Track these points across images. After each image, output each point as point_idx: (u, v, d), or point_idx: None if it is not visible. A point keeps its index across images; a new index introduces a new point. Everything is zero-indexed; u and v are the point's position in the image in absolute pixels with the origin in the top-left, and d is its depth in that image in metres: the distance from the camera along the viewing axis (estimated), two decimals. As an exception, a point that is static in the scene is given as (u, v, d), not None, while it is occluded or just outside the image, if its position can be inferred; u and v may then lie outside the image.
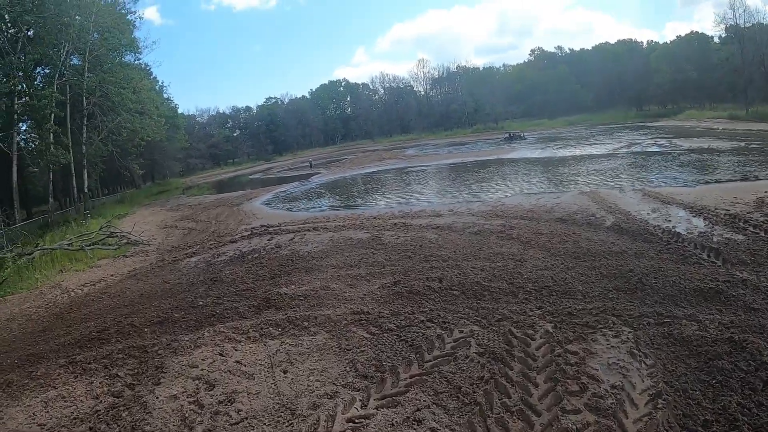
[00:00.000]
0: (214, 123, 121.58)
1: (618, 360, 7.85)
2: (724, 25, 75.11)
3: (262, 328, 10.78)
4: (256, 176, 75.20)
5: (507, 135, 75.45)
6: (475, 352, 8.46)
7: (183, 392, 8.32)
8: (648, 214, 17.91)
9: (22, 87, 39.87)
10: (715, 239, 13.78)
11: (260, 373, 8.82)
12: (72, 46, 41.43)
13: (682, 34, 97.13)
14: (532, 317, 9.60)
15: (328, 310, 11.37)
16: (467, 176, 39.82)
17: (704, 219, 16.38)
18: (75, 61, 44.27)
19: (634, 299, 9.98)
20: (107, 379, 9.21)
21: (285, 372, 8.77)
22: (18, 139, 40.01)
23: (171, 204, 46.16)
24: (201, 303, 13.16)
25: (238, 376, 8.78)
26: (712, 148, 37.80)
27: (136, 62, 56.47)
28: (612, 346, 8.26)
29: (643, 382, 7.23)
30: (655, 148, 43.03)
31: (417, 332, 9.52)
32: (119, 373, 9.33)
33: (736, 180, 23.92)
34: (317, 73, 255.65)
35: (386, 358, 8.70)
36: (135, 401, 8.21)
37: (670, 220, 16.65)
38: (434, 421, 6.84)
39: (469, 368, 8.01)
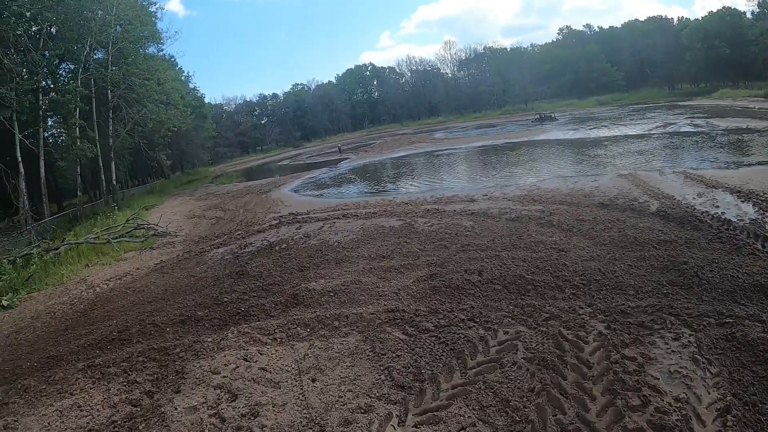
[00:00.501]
0: (241, 111, 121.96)
1: (680, 367, 7.16)
2: (757, 1, 72.98)
3: (289, 329, 10.24)
4: (284, 163, 74.99)
5: (537, 116, 73.88)
6: (523, 358, 7.82)
7: (203, 403, 7.83)
8: (694, 198, 17.02)
9: (47, 83, 40.09)
10: (768, 227, 12.92)
11: (287, 382, 8.23)
12: (95, 40, 41.60)
13: (714, 10, 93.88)
14: (583, 316, 8.94)
15: (360, 307, 10.82)
16: (499, 159, 38.81)
17: (753, 205, 15.44)
18: (99, 55, 44.50)
19: (691, 295, 9.25)
20: (125, 385, 8.84)
21: (314, 380, 8.16)
22: (46, 134, 40.28)
23: (199, 193, 46.15)
24: (226, 299, 12.70)
25: (263, 384, 8.20)
26: (750, 128, 36.15)
27: (160, 53, 56.91)
28: (672, 351, 7.58)
29: (710, 394, 6.55)
30: (691, 128, 41.49)
31: (458, 333, 8.91)
32: (138, 379, 8.96)
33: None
34: (343, 59, 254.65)
35: (425, 365, 8.10)
36: (153, 412, 7.76)
37: (717, 206, 15.75)
38: (481, 442, 6.24)
39: (517, 377, 7.38)
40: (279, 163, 74.91)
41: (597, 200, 18.41)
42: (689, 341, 7.76)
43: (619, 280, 10.30)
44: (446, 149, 52.08)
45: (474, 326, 9.10)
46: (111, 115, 44.96)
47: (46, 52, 38.78)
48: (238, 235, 22.05)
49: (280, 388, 8.07)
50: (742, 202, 16.06)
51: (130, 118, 45.45)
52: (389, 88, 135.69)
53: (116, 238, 23.78)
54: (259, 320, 10.99)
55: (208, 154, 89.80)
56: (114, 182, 46.26)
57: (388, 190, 30.28)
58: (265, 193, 37.07)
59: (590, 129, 51.45)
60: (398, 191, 29.13)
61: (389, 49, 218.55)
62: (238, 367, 8.85)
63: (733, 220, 13.95)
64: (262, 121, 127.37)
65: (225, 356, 9.29)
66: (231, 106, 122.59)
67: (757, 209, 14.92)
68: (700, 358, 7.32)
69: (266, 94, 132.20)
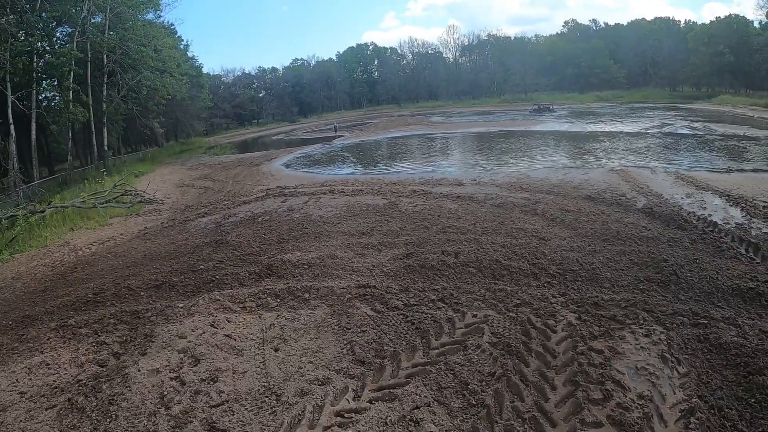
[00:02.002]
0: (239, 83, 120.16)
1: (648, 364, 6.97)
2: (765, 11, 72.57)
3: (260, 298, 10.08)
4: (279, 137, 74.27)
5: (535, 107, 73.25)
6: (488, 342, 7.63)
7: (166, 366, 7.77)
8: (682, 198, 16.83)
9: (42, 45, 39.24)
10: (753, 233, 12.70)
11: (250, 350, 8.12)
12: (92, 3, 40.59)
13: (721, 16, 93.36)
14: (554, 305, 8.75)
15: (332, 281, 10.61)
16: (492, 146, 38.77)
17: (741, 209, 15.22)
18: (98, 19, 43.47)
19: (667, 293, 9.06)
20: (94, 346, 8.79)
21: (276, 350, 8.04)
22: (39, 97, 39.62)
23: (191, 163, 45.64)
24: (202, 267, 12.52)
25: (226, 351, 8.09)
26: (747, 136, 35.97)
27: (159, 20, 55.83)
28: (641, 347, 7.39)
29: (675, 394, 6.36)
30: (688, 131, 41.28)
31: (426, 313, 8.72)
32: (107, 340, 8.91)
33: (776, 171, 22.61)
34: (345, 37, 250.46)
35: (388, 342, 7.92)
36: (117, 372, 7.71)
37: (705, 207, 15.57)
38: (433, 423, 6.03)
39: (479, 361, 7.18)
40: (274, 138, 74.14)
41: (585, 193, 18.21)
42: (660, 339, 7.58)
43: (596, 273, 10.10)
44: (441, 133, 51.72)
45: (443, 307, 8.90)
46: (105, 80, 44.15)
47: (43, 14, 37.93)
48: (224, 205, 21.84)
49: (242, 356, 7.96)
50: (731, 206, 15.85)
51: (124, 84, 44.64)
52: (390, 69, 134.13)
53: (103, 203, 23.35)
54: (231, 288, 10.85)
55: (204, 124, 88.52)
56: (105, 148, 45.57)
57: (378, 170, 30.08)
58: (256, 165, 36.82)
59: (587, 123, 51.25)
60: (388, 171, 28.91)
61: (393, 30, 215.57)
62: (204, 332, 8.75)
63: (719, 222, 13.76)
64: (260, 95, 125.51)
65: (193, 322, 9.19)
66: (229, 78, 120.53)
67: (744, 214, 14.72)
68: (669, 356, 7.13)
69: (266, 68, 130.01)
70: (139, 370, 7.60)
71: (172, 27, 64.86)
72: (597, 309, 8.50)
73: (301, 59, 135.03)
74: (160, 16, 55.06)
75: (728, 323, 7.89)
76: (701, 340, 7.48)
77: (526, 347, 7.43)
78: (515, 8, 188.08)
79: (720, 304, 8.60)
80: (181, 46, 69.28)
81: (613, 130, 44.15)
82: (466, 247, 11.97)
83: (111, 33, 43.35)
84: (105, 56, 43.11)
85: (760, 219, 14.04)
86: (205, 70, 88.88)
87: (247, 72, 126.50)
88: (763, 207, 15.17)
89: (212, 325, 8.98)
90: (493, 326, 8.07)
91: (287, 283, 10.71)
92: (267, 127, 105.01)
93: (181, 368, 7.65)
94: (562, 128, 48.03)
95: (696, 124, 45.49)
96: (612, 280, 9.71)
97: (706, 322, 7.95)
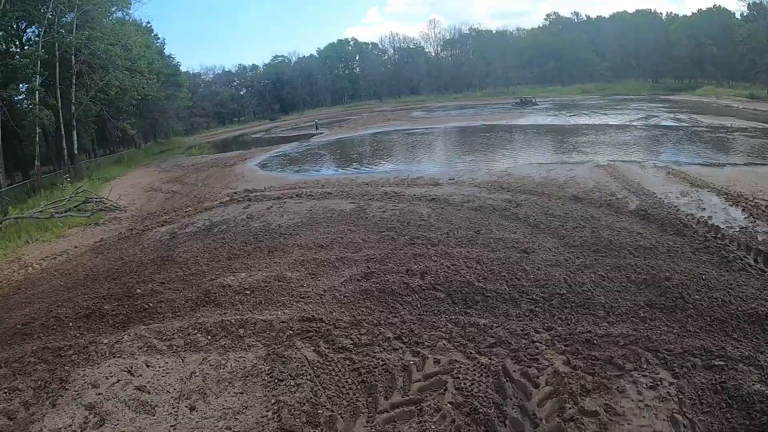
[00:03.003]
0: (219, 81, 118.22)
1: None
2: (747, 3, 72.40)
3: (189, 334, 8.61)
4: (258, 135, 72.39)
5: (518, 100, 71.99)
6: (451, 403, 5.95)
7: (69, 425, 6.67)
8: (677, 198, 15.35)
9: (5, 46, 37.40)
10: (760, 238, 11.27)
11: (163, 407, 6.75)
12: (58, 1, 38.41)
13: (703, 8, 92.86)
14: (538, 344, 7.10)
15: (274, 311, 9.01)
16: (473, 142, 37.18)
17: (743, 210, 13.80)
18: (69, 18, 41.39)
19: (674, 323, 7.48)
20: (7, 393, 7.71)
21: (192, 409, 6.60)
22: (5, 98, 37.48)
23: (167, 165, 43.80)
24: (139, 291, 11.11)
25: (136, 410, 6.78)
26: (734, 127, 34.82)
27: (132, 18, 54.42)
28: (646, 405, 5.78)
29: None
30: (674, 123, 40.03)
31: (378, 357, 7.06)
32: (21, 386, 7.84)
33: (771, 165, 21.40)
34: (327, 33, 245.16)
35: (326, 401, 6.27)
36: (22, 429, 6.75)
37: (703, 208, 14.12)
38: None
39: (437, 434, 5.50)
40: (253, 136, 72.27)
41: (571, 192, 16.65)
42: (669, 392, 5.96)
43: (588, 296, 8.48)
44: (421, 128, 50.04)
45: (400, 348, 7.25)
46: (75, 81, 42.06)
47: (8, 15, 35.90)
48: (186, 212, 20.25)
49: (153, 416, 6.63)
50: (731, 205, 14.42)
51: (93, 85, 42.65)
52: (371, 65, 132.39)
53: (62, 212, 21.51)
54: (162, 321, 9.48)
55: (184, 124, 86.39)
56: (76, 152, 43.57)
57: (352, 169, 28.55)
58: (230, 166, 35.32)
59: (571, 116, 49.83)
60: (363, 170, 27.41)
61: (375, 26, 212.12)
62: (119, 381, 7.57)
63: (722, 226, 12.27)
64: (241, 92, 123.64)
65: (110, 366, 8.00)
66: (209, 76, 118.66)
67: (747, 215, 13.27)
68: (682, 419, 5.51)
69: (246, 65, 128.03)
70: (41, 430, 6.59)
71: (149, 25, 63.62)
72: (590, 349, 6.87)
73: (282, 56, 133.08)
74: (128, 14, 53.05)
75: (748, 364, 6.38)
76: (718, 391, 5.92)
77: (498, 411, 5.74)
78: (498, 2, 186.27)
79: (735, 336, 7.08)
80: (157, 45, 67.94)
81: (597, 122, 42.72)
82: (436, 264, 10.33)
83: (78, 32, 41.15)
84: (73, 57, 41.09)
85: (765, 221, 12.58)
86: (184, 69, 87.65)
87: (227, 70, 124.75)
88: (766, 207, 13.75)
89: (129, 372, 7.70)
90: (459, 378, 6.40)
91: (223, 315, 9.16)
92: (248, 126, 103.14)
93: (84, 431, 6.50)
94: (545, 121, 46.57)
95: (681, 116, 44.36)
96: (607, 306, 8.09)
97: (722, 363, 6.40)
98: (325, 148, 42.08)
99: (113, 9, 48.00)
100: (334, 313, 8.55)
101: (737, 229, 12.01)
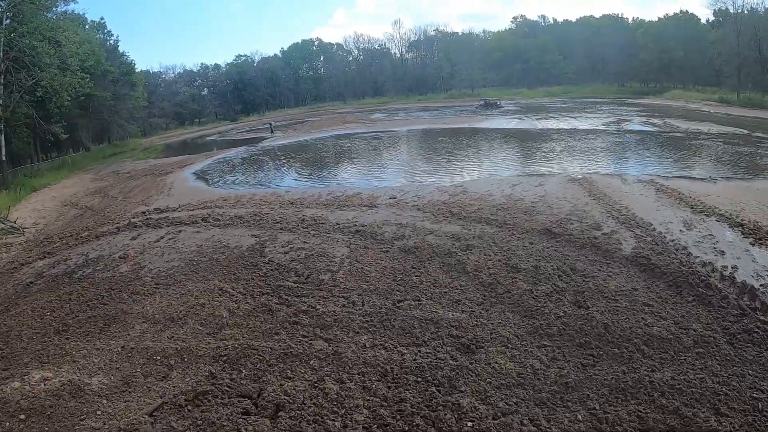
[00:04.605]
0: (181, 81, 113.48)
1: None
2: (713, 10, 73.24)
3: None
4: (213, 138, 67.96)
5: (482, 102, 68.71)
6: None
7: None
8: (681, 232, 11.56)
9: None
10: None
11: None
12: None
13: (670, 13, 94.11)
14: None
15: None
16: (430, 147, 33.66)
17: (771, 250, 10.00)
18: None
19: None
20: None
21: None
22: None
23: (106, 171, 39.92)
24: None
25: None
26: (712, 133, 32.33)
27: (78, 13, 50.73)
28: None
29: None
30: (649, 128, 37.22)
31: None
32: None
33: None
34: (295, 34, 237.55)
35: None
36: None
37: (720, 250, 10.39)
38: None
39: None
40: (208, 138, 67.88)
41: (541, 221, 12.67)
42: None
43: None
44: (377, 132, 46.02)
45: None
46: (2, 80, 37.79)
47: None
48: (78, 239, 16.56)
49: None
50: (752, 244, 10.75)
51: (19, 85, 38.12)
52: (335, 66, 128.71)
53: None
54: None
55: (141, 124, 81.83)
56: (4, 158, 38.88)
57: (288, 179, 24.82)
58: (166, 174, 31.62)
59: (537, 119, 46.36)
60: (297, 183, 23.60)
61: (343, 27, 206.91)
62: None
63: (756, 286, 8.36)
64: (203, 93, 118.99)
65: None
66: (170, 75, 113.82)
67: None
68: None
69: (208, 65, 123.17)
70: None
71: (102, 21, 60.46)
72: None
73: (245, 56, 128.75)
74: (61, 8, 48.52)
75: None
76: None
77: None
78: (466, 5, 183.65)
79: None
80: (111, 42, 64.38)
81: (566, 126, 39.30)
82: (308, 385, 6.07)
83: (4, 27, 37.44)
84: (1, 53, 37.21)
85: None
86: (144, 67, 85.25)
87: (188, 69, 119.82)
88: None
89: None
90: None
91: None
92: (207, 127, 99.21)
93: None
94: (510, 125, 43.01)
95: (655, 120, 41.57)
96: None
97: None
98: (269, 154, 38.17)
99: (57, 2, 44.15)
100: None
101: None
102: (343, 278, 9.59)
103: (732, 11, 66.60)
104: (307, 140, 45.77)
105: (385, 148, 35.49)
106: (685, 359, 6.22)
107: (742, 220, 12.36)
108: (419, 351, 6.66)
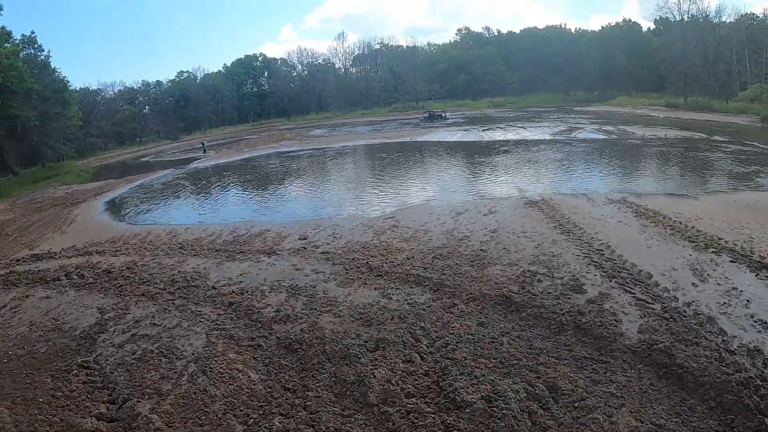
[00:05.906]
0: (121, 99, 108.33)
1: None
2: (654, 19, 75.82)
3: None
4: (147, 159, 63.80)
5: (427, 114, 66.34)
6: None
7: None
8: (696, 288, 8.27)
9: None
10: None
11: None
12: None
13: (612, 23, 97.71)
14: None
15: None
16: (365, 166, 30.71)
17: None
18: None
19: None
20: None
21: None
22: None
23: (25, 199, 35.40)
24: None
25: None
26: (672, 138, 30.71)
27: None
28: None
29: None
30: (602, 135, 35.08)
31: None
32: None
33: (754, 189, 16.40)
34: (241, 50, 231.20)
35: None
36: None
37: (763, 321, 6.92)
38: None
39: None
40: (143, 159, 63.79)
41: (495, 278, 8.99)
42: None
43: None
44: (312, 150, 42.47)
45: None
46: None
47: None
48: None
49: None
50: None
51: None
52: (280, 81, 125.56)
53: None
54: None
55: (75, 145, 76.62)
56: None
57: (194, 214, 21.04)
58: (75, 205, 27.49)
59: (484, 130, 43.51)
60: (201, 217, 19.78)
61: (290, 43, 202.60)
62: None
63: None
64: (144, 110, 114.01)
65: None
66: (109, 93, 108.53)
67: None
68: None
69: (150, 81, 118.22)
70: None
71: (33, 36, 56.58)
72: None
73: (187, 72, 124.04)
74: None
75: None
76: None
77: None
78: (412, 20, 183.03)
79: None
80: (41, 58, 60.27)
81: (515, 137, 36.34)
82: None
83: None
84: None
85: None
86: (81, 85, 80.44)
87: (129, 86, 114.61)
88: None
89: None
90: None
91: None
92: (148, 146, 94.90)
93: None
94: (456, 138, 39.99)
95: (609, 127, 39.36)
96: None
97: None
98: (190, 179, 33.97)
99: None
100: None
101: None
102: (168, 414, 5.64)
103: (674, 20, 68.77)
104: (235, 161, 42.05)
105: (316, 167, 32.07)
106: None
107: (761, 256, 9.05)
108: None
